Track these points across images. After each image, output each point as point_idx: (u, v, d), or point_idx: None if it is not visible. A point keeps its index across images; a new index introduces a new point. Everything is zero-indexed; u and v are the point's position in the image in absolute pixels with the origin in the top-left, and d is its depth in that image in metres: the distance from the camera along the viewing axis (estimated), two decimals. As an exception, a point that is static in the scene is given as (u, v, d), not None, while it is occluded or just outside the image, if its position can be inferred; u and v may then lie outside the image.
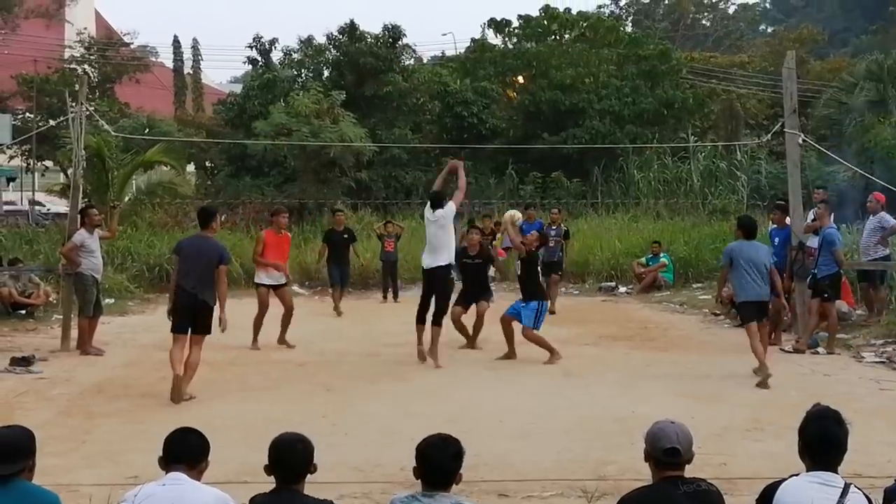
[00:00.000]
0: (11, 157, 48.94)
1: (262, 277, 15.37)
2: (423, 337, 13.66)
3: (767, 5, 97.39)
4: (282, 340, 15.21)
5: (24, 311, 17.89)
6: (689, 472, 4.94)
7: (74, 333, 14.55)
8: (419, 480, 4.88)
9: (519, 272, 14.37)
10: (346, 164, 32.70)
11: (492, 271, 16.56)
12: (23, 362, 13.08)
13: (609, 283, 24.11)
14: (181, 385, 10.92)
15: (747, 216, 14.76)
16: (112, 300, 19.34)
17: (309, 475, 4.96)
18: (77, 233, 14.56)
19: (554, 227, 19.68)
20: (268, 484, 4.99)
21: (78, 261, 14.33)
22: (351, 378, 12.51)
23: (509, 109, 40.84)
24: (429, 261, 13.71)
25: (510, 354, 13.93)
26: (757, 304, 12.50)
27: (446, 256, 13.69)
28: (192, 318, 11.15)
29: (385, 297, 22.36)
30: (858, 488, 4.69)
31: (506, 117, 39.91)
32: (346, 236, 20.46)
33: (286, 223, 16.24)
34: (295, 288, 22.51)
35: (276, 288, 15.30)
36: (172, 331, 11.24)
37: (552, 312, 17.12)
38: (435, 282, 13.70)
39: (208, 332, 11.20)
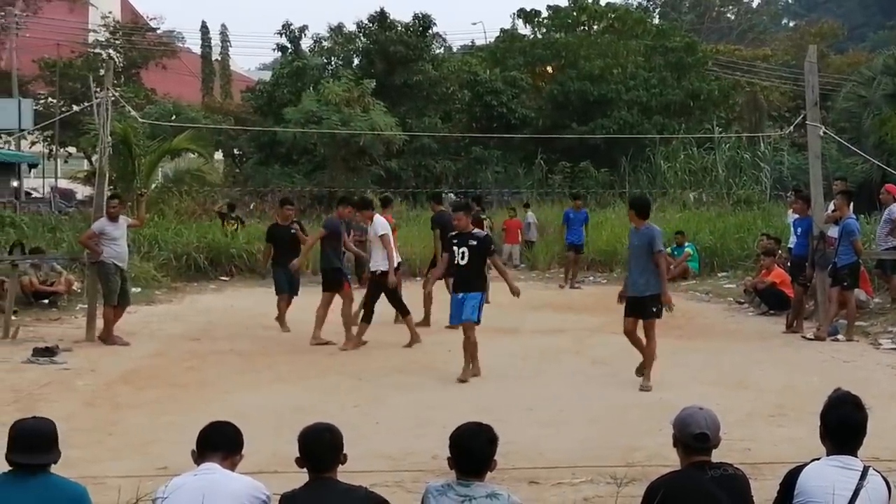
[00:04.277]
0: (33, 143, 47.66)
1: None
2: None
3: (789, 0, 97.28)
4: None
5: (46, 301, 17.49)
6: (715, 457, 5.03)
7: (100, 323, 14.29)
8: (453, 470, 4.83)
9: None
10: (376, 153, 32.78)
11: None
12: (46, 353, 12.76)
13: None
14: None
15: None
16: (139, 289, 18.96)
17: (340, 466, 4.85)
18: (97, 221, 14.40)
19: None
20: (298, 474, 4.92)
21: (98, 249, 14.11)
22: (381, 367, 12.46)
23: (538, 99, 40.99)
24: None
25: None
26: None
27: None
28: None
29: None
30: (877, 471, 4.88)
31: (535, 107, 40.05)
32: (293, 231, 16.37)
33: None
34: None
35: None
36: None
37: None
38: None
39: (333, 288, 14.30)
